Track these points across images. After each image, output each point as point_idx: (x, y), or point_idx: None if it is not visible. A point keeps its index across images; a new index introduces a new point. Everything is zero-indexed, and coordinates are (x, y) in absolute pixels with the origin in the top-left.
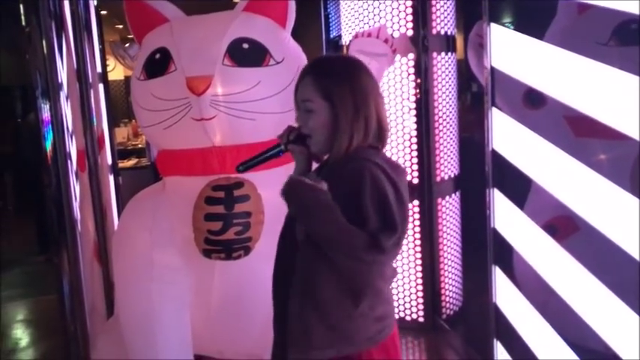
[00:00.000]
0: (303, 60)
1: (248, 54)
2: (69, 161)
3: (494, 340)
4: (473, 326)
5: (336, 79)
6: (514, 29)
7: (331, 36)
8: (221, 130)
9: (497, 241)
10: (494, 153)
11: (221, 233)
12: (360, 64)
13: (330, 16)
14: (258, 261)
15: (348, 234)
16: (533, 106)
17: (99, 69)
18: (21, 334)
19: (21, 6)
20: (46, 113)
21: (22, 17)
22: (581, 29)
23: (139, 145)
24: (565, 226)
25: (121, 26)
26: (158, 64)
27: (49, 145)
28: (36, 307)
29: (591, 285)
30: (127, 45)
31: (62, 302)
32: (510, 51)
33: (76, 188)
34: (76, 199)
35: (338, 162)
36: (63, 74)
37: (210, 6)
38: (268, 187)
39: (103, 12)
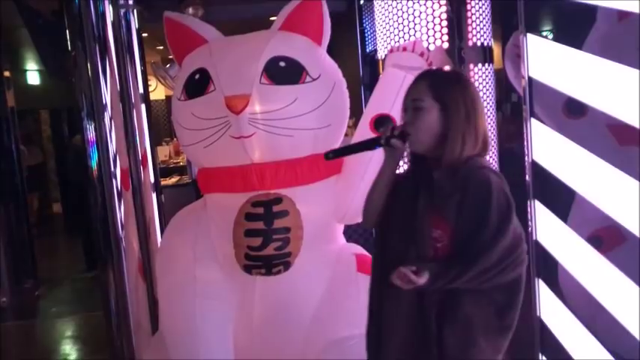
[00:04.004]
0: (338, 76)
1: (285, 72)
2: (113, 180)
3: (540, 355)
4: (518, 340)
5: (450, 84)
6: (553, 38)
7: (367, 50)
8: (259, 147)
9: (540, 254)
10: (535, 164)
11: (261, 249)
12: (468, 77)
13: (365, 30)
14: (298, 276)
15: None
16: (574, 115)
17: (141, 90)
18: (69, 350)
19: (67, 31)
20: (91, 134)
21: (68, 42)
22: (621, 35)
23: (181, 163)
24: (611, 237)
25: (161, 47)
26: (198, 85)
27: (94, 165)
28: (84, 323)
29: (638, 297)
30: (168, 66)
31: (108, 318)
32: (548, 61)
33: (120, 206)
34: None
35: (452, 169)
36: (107, 95)
37: (247, 26)
38: (307, 202)
39: (145, 34)
